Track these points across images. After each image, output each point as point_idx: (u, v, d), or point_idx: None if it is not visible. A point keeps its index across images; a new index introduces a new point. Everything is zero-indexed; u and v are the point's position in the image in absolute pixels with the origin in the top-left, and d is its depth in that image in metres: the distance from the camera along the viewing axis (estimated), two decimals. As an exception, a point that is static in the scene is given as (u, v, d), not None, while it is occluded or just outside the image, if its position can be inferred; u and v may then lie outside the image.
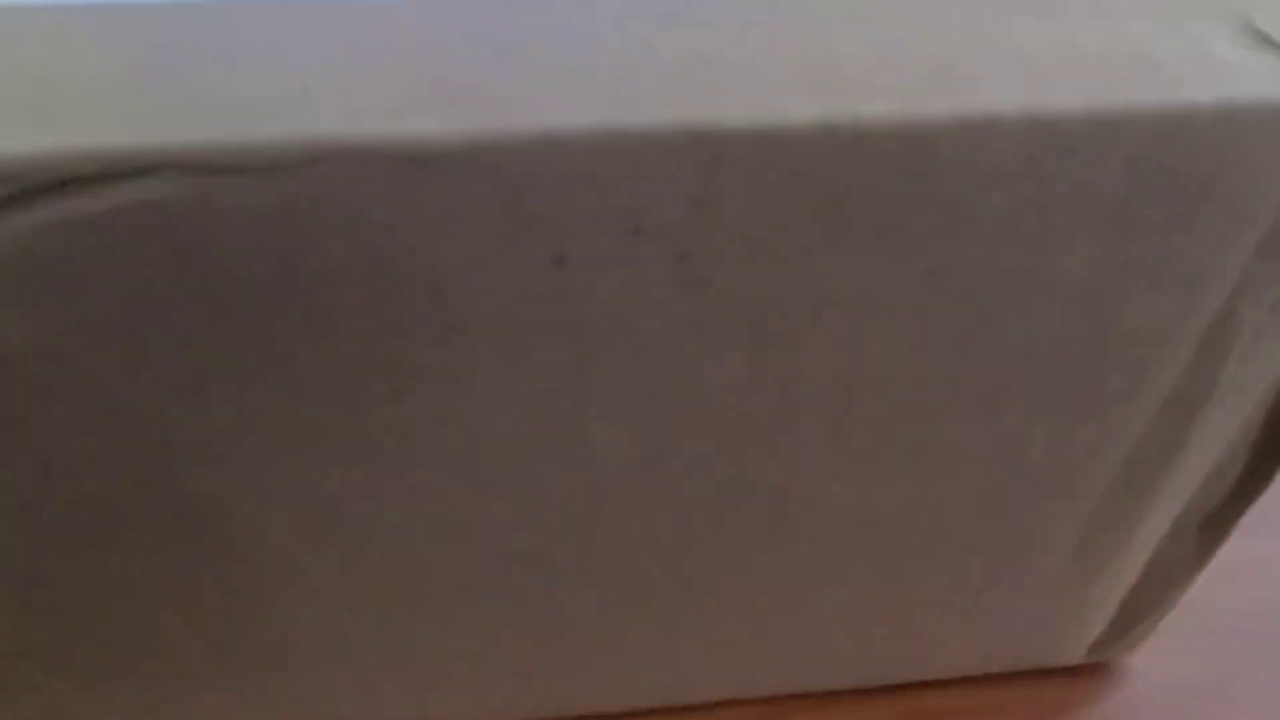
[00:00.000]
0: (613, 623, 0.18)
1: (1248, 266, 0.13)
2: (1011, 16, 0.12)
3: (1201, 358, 0.14)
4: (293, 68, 0.10)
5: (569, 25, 0.11)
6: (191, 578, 0.15)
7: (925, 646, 0.20)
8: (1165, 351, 0.14)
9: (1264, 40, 0.11)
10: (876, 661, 0.21)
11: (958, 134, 0.10)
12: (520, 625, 0.17)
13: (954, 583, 0.18)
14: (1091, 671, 0.23)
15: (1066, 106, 0.10)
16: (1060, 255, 0.12)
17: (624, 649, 0.19)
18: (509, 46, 0.11)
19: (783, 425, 0.14)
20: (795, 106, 0.10)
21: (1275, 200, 0.12)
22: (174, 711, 0.18)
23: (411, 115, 0.10)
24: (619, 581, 0.16)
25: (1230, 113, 0.11)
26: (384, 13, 0.11)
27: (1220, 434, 0.16)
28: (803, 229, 0.11)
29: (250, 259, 0.10)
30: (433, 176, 0.10)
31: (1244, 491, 0.18)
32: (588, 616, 0.17)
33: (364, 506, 0.14)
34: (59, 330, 0.11)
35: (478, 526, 0.15)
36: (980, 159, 0.11)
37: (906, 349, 0.13)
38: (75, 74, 0.10)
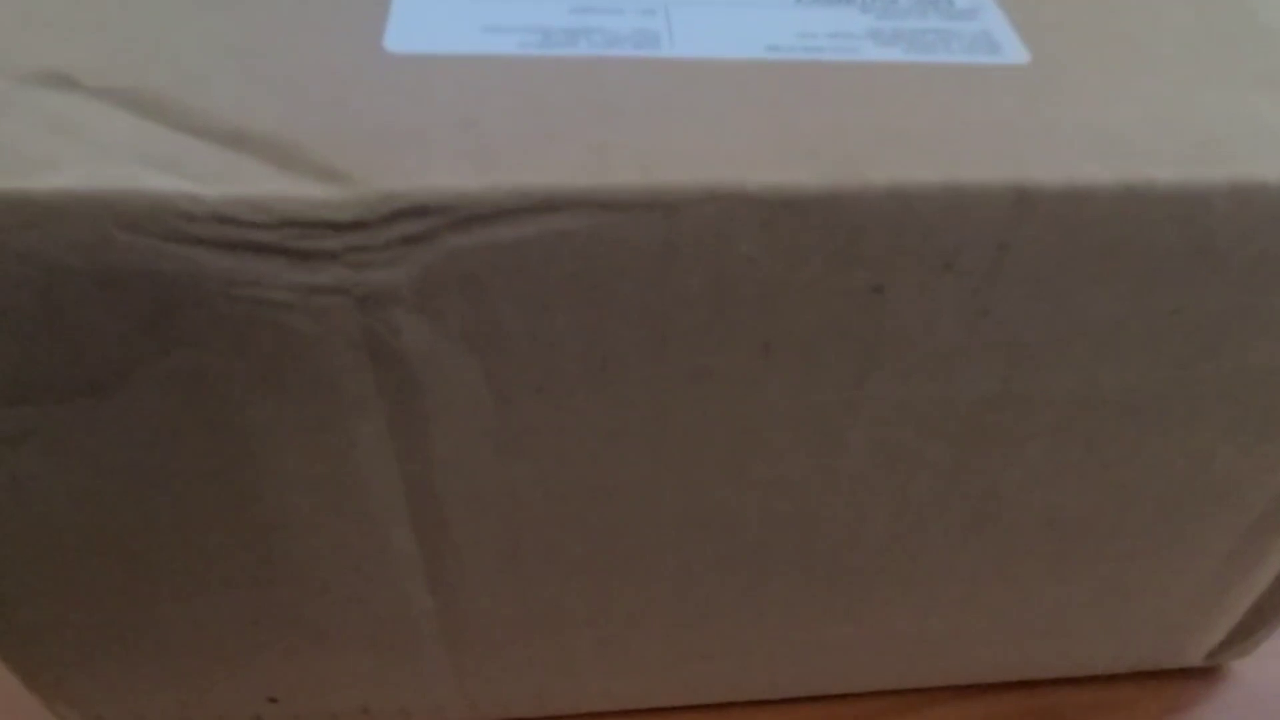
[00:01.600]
0: (807, 612, 0.19)
1: None
2: (1249, 94, 0.13)
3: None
4: (672, 121, 0.12)
5: (884, 87, 0.13)
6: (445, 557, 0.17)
7: (1066, 645, 0.22)
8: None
9: None
10: (1018, 658, 0.22)
11: (1227, 196, 0.12)
12: (726, 610, 0.19)
13: (1112, 585, 0.20)
14: (1206, 674, 0.25)
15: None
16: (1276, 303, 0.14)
17: (807, 637, 0.20)
18: (847, 104, 0.13)
19: (1013, 436, 0.15)
20: (1095, 170, 0.12)
21: None
22: (400, 676, 0.20)
23: (784, 168, 0.12)
24: (825, 571, 0.18)
25: None
26: (739, 70, 0.13)
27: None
28: (1081, 271, 0.13)
29: (632, 279, 0.12)
30: (796, 218, 0.12)
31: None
32: (787, 604, 0.19)
33: (633, 494, 0.16)
34: (449, 336, 0.13)
35: (719, 517, 0.17)
36: (1242, 217, 0.13)
37: (1135, 373, 0.15)
38: (499, 121, 0.12)
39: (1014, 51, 0.14)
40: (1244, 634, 0.23)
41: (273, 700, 0.20)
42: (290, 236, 0.11)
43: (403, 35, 0.13)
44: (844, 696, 0.24)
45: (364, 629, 0.18)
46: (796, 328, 0.13)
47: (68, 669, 0.18)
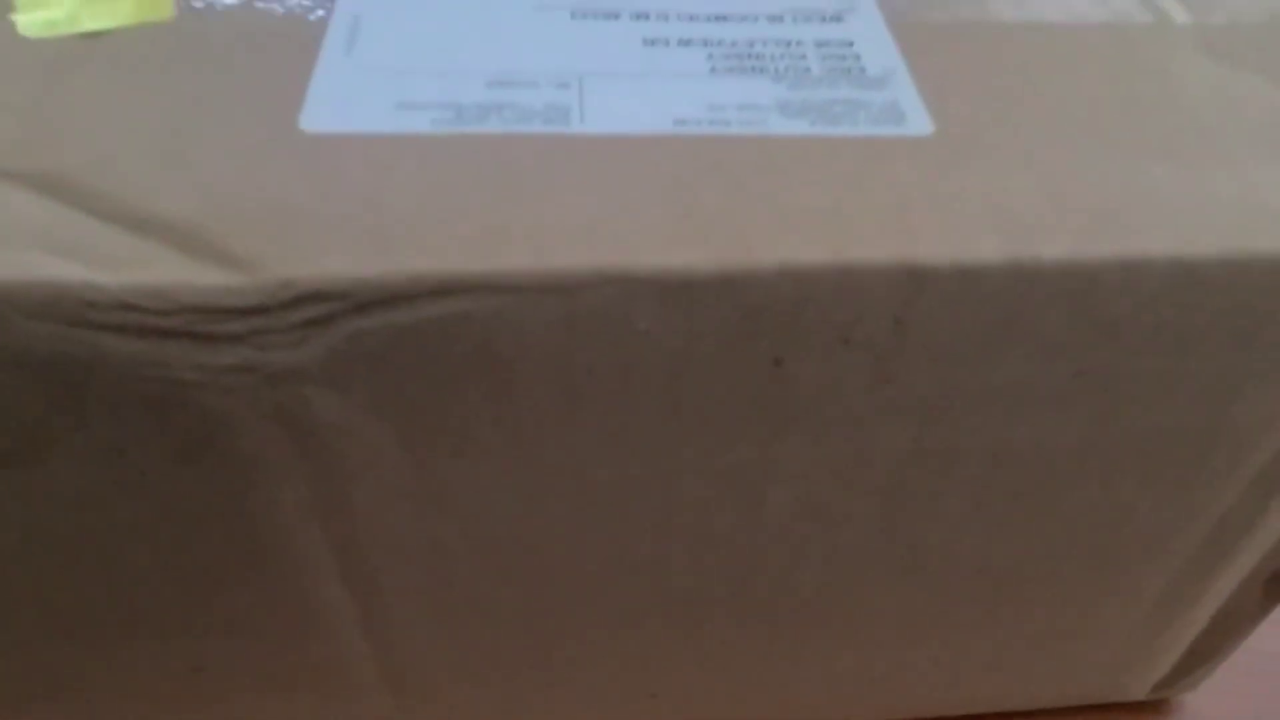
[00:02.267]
0: (746, 653, 0.20)
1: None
2: (1152, 165, 0.14)
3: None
4: (573, 200, 0.12)
5: (785, 163, 0.13)
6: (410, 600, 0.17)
7: (1009, 682, 0.22)
8: (1263, 439, 0.16)
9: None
10: (969, 694, 0.23)
11: (1118, 271, 0.13)
12: (667, 652, 0.19)
13: (1049, 627, 0.20)
14: (1153, 707, 0.25)
15: (1204, 253, 0.13)
16: (1188, 362, 0.14)
17: (751, 674, 0.21)
18: (746, 181, 0.13)
19: (932, 491, 0.16)
20: (987, 246, 0.12)
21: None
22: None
23: (678, 249, 0.12)
24: (762, 615, 0.18)
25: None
26: (645, 147, 0.13)
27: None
28: (978, 340, 0.13)
29: (536, 355, 0.12)
30: (691, 297, 0.12)
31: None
32: (726, 646, 0.19)
33: (559, 547, 0.16)
34: (359, 408, 0.13)
35: (648, 566, 0.17)
36: (1134, 289, 0.13)
37: (1047, 431, 0.15)
38: (402, 203, 0.12)
39: (919, 122, 0.14)
40: (1185, 670, 0.23)
41: (218, 744, 0.20)
42: (194, 321, 0.11)
43: (318, 114, 0.13)
44: (794, 732, 0.24)
45: (304, 674, 0.19)
46: (702, 395, 0.14)
47: (14, 715, 0.19)
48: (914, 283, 0.12)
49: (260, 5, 0.15)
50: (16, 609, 0.16)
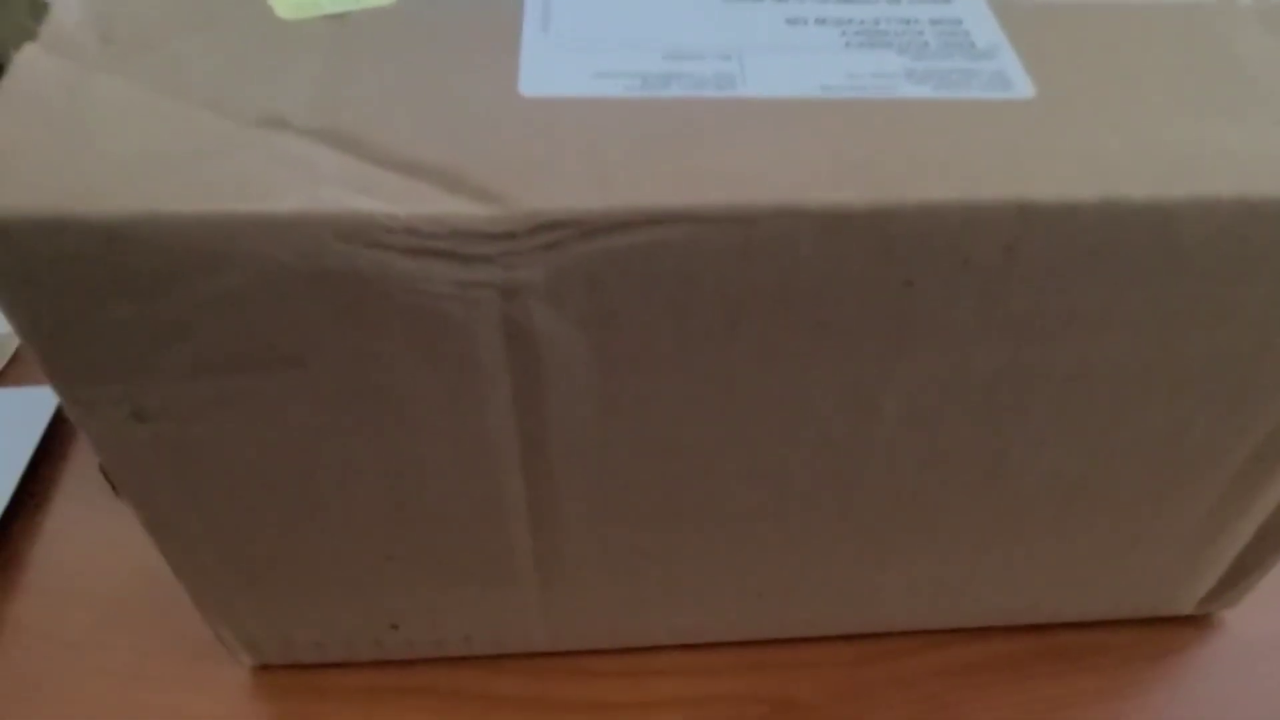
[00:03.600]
0: (844, 557, 0.23)
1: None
2: (1218, 122, 0.16)
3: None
4: (747, 150, 0.15)
5: (915, 120, 0.16)
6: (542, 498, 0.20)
7: (1069, 593, 0.25)
8: (1307, 360, 0.18)
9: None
10: (1028, 603, 0.26)
11: (1190, 208, 0.15)
12: (776, 555, 0.22)
13: (1110, 539, 0.23)
14: (1198, 622, 0.28)
15: (1262, 193, 0.15)
16: (1245, 290, 0.17)
17: (844, 579, 0.24)
18: (885, 135, 0.16)
19: (1020, 404, 0.19)
20: (1083, 187, 0.15)
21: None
22: (493, 606, 0.23)
23: (834, 188, 0.15)
24: (861, 517, 0.21)
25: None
26: (799, 107, 0.16)
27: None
28: (1073, 267, 0.16)
29: (716, 275, 0.16)
30: (845, 228, 0.15)
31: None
32: (828, 550, 0.22)
33: (703, 451, 0.19)
34: (569, 320, 0.16)
35: (773, 471, 0.20)
36: (1203, 224, 0.16)
37: (1122, 351, 0.18)
38: (612, 153, 0.15)
39: (1023, 87, 0.17)
40: (1229, 584, 0.26)
41: (394, 627, 0.24)
42: (459, 244, 0.15)
43: (533, 81, 0.16)
44: (874, 635, 0.27)
45: (474, 565, 0.22)
46: (843, 314, 0.17)
47: (231, 596, 0.22)
48: (1022, 217, 0.15)
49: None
50: (253, 499, 0.19)
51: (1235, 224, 0.16)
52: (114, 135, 0.15)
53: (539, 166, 0.15)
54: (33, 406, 0.31)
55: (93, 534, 0.29)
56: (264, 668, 0.26)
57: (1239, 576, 0.25)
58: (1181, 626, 0.28)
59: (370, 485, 0.19)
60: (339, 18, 0.17)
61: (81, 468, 0.31)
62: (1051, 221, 0.15)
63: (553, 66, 0.17)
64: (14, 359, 0.34)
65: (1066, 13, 0.19)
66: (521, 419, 0.18)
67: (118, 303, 0.15)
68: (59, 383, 0.17)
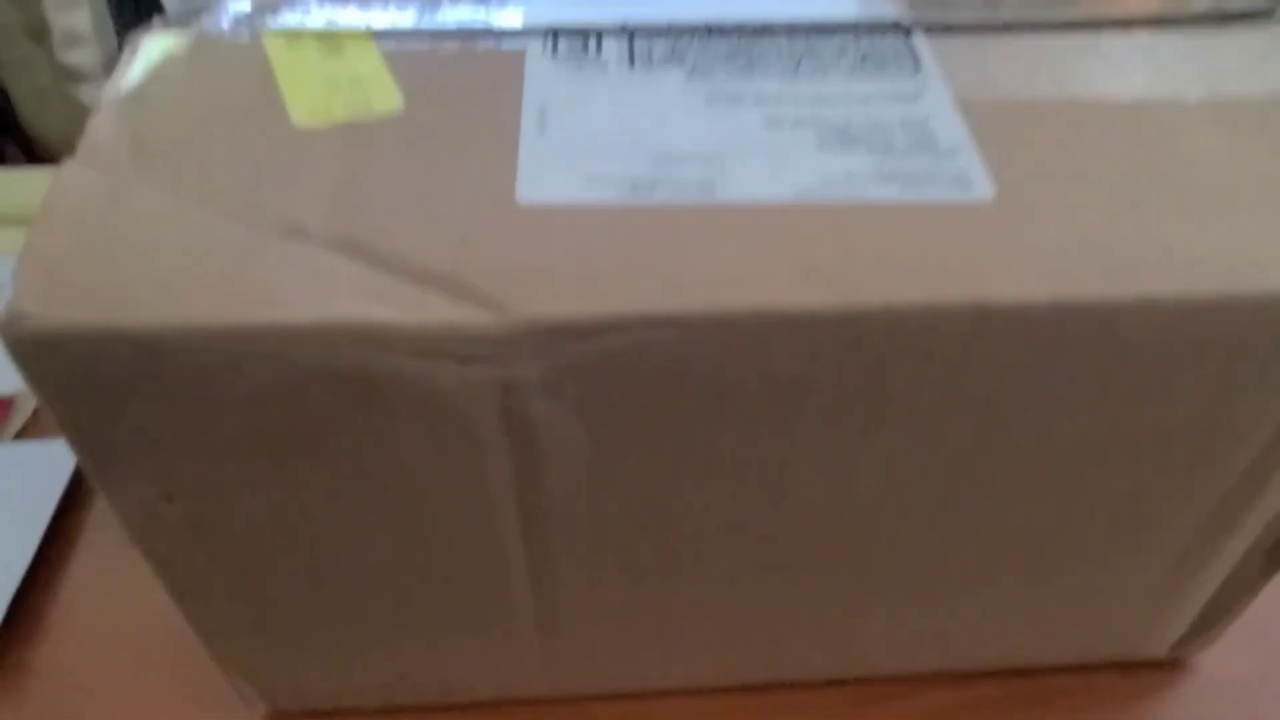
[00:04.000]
0: (827, 607, 0.24)
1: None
2: (1167, 222, 0.18)
3: (1278, 436, 0.20)
4: (726, 256, 0.17)
5: (882, 223, 0.18)
6: (542, 558, 0.21)
7: (1044, 638, 0.27)
8: (1253, 434, 0.20)
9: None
10: (1004, 649, 0.27)
11: (1136, 307, 0.17)
12: (763, 605, 0.24)
13: (1081, 587, 0.24)
14: (1172, 665, 0.29)
15: (1202, 293, 0.17)
16: (1192, 375, 0.18)
17: (829, 629, 0.25)
18: (853, 239, 0.17)
19: (988, 471, 0.20)
20: (1035, 290, 0.17)
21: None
22: (490, 660, 0.25)
23: (805, 294, 0.16)
24: (844, 571, 0.23)
25: None
26: (774, 212, 0.17)
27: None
28: (1028, 358, 0.17)
29: (699, 370, 0.17)
30: (817, 329, 0.16)
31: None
32: (812, 600, 0.24)
33: (693, 516, 0.21)
34: (564, 408, 0.17)
35: (760, 531, 0.21)
36: (1148, 322, 0.17)
37: (1080, 427, 0.19)
38: (604, 262, 0.17)
39: (983, 188, 0.18)
40: (1201, 629, 0.27)
41: (402, 676, 0.25)
42: (462, 348, 0.16)
43: (530, 188, 0.18)
44: (859, 680, 0.28)
45: (478, 619, 0.23)
46: (818, 397, 0.18)
47: (246, 649, 0.24)
48: (978, 318, 0.17)
49: (464, 94, 0.20)
50: (271, 564, 0.21)
51: (1176, 320, 0.17)
52: (149, 248, 0.16)
53: (535, 274, 0.16)
54: (56, 460, 0.33)
55: (112, 583, 0.30)
56: (277, 714, 0.27)
57: (1210, 622, 0.27)
58: (1156, 670, 0.29)
59: (380, 550, 0.21)
60: (352, 123, 0.19)
61: (102, 518, 0.32)
62: (1005, 321, 0.17)
63: (548, 171, 0.18)
64: (36, 413, 0.36)
65: (1027, 110, 0.20)
66: (521, 492, 0.19)
67: (150, 402, 0.16)
68: (92, 469, 0.18)
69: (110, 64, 0.49)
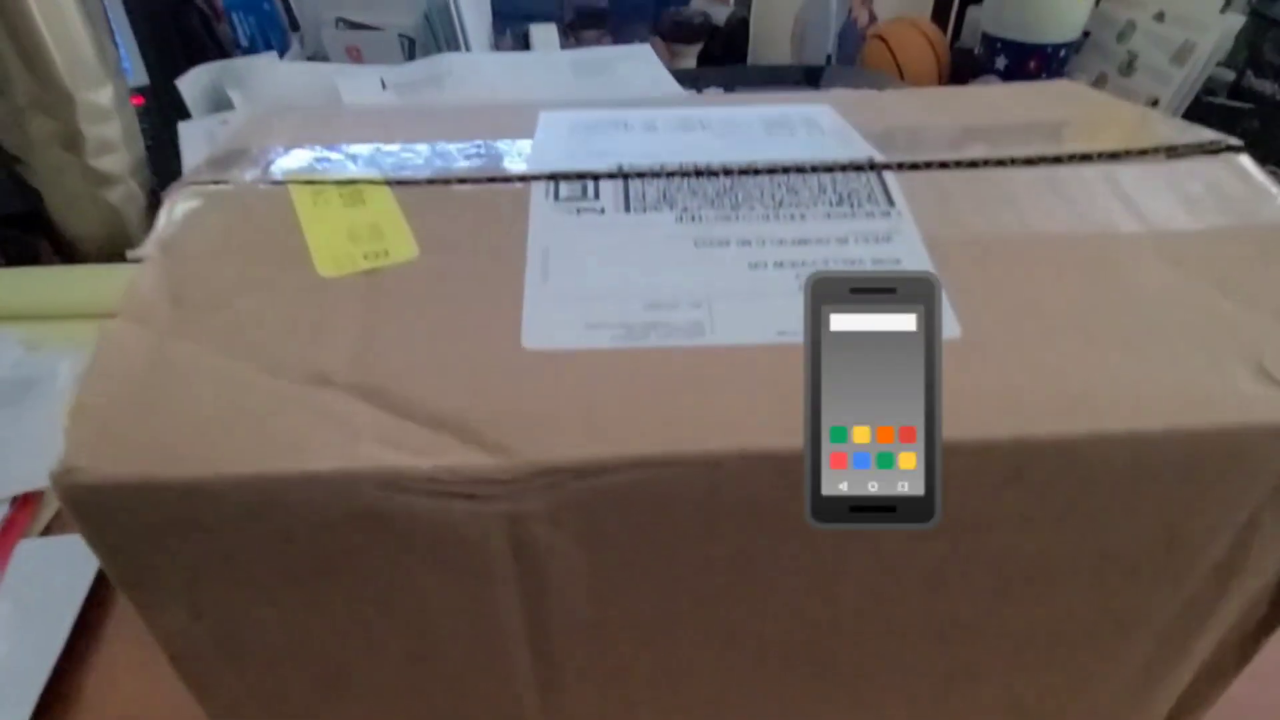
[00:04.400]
0: (817, 704, 0.25)
1: (1261, 502, 0.20)
2: (1116, 357, 0.19)
3: (1234, 545, 0.21)
4: (715, 398, 0.18)
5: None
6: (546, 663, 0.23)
7: (1030, 726, 0.28)
8: (1209, 544, 0.21)
9: (1270, 379, 0.19)
10: (993, 736, 0.28)
11: (1087, 441, 0.18)
12: (756, 704, 0.25)
13: (1059, 682, 0.25)
14: (1154, 749, 0.30)
15: (1150, 428, 0.18)
16: (1146, 496, 0.20)
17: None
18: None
19: (962, 583, 0.21)
20: (996, 426, 0.18)
21: (1273, 471, 0.19)
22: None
23: (786, 434, 0.18)
24: (834, 675, 0.24)
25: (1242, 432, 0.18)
26: (759, 353, 0.19)
27: (1250, 587, 0.23)
28: (993, 486, 0.19)
29: (691, 502, 0.18)
30: (798, 466, 0.18)
31: (1270, 620, 0.25)
32: (809, 699, 0.25)
33: (687, 628, 0.22)
34: (567, 537, 0.19)
35: (750, 640, 0.23)
36: (1101, 451, 0.18)
37: (1045, 542, 0.20)
38: (603, 405, 0.18)
39: (950, 327, 0.20)
40: (1180, 715, 0.28)
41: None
42: (472, 489, 0.18)
43: (535, 335, 0.19)
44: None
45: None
46: (800, 520, 0.19)
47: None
48: (947, 451, 0.18)
49: (474, 240, 0.21)
50: (287, 677, 0.22)
51: (1131, 451, 0.19)
52: (188, 402, 0.18)
53: (540, 418, 0.18)
54: (83, 554, 0.34)
55: (138, 673, 0.31)
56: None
57: (1183, 714, 0.28)
58: (1140, 753, 0.30)
59: (395, 661, 0.22)
60: (372, 272, 0.21)
61: (128, 610, 0.33)
62: (969, 456, 0.18)
63: (551, 319, 0.20)
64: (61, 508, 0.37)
65: (991, 247, 0.22)
66: (528, 611, 0.21)
67: (185, 539, 0.18)
68: (127, 592, 0.19)
69: (138, 168, 0.51)
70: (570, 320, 0.20)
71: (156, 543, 0.18)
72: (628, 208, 0.22)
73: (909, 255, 0.21)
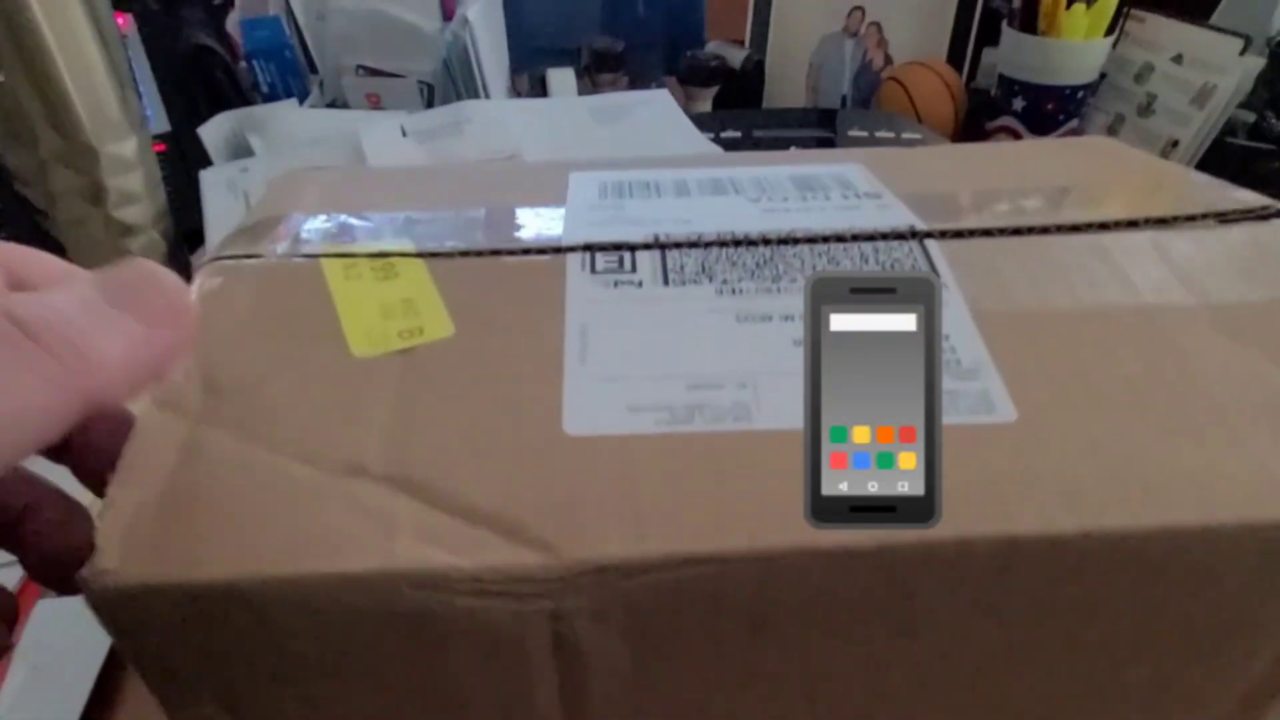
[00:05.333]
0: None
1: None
2: (1179, 443, 0.19)
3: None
4: (765, 490, 0.18)
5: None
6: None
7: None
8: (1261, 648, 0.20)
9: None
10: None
11: (1159, 535, 0.17)
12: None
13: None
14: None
15: (1219, 521, 0.17)
16: (1218, 585, 0.19)
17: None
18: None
19: (1018, 667, 0.20)
20: (1064, 521, 0.17)
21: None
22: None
23: (841, 530, 0.17)
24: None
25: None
26: (797, 441, 0.18)
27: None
28: (1058, 578, 0.18)
29: (738, 597, 0.18)
30: (852, 562, 0.17)
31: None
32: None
33: (728, 714, 0.21)
34: (610, 632, 0.18)
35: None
36: (1165, 545, 0.18)
37: (1107, 631, 0.20)
38: (649, 498, 0.17)
39: (1005, 410, 0.19)
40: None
41: None
42: (515, 587, 0.17)
43: (576, 420, 0.19)
44: None
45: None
46: (852, 616, 0.19)
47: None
48: (1009, 548, 0.17)
49: (510, 316, 0.21)
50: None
51: (1198, 545, 0.18)
52: (220, 498, 0.17)
53: (583, 512, 0.17)
54: (97, 614, 0.33)
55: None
56: None
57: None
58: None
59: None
60: (407, 351, 0.20)
61: (142, 678, 0.33)
62: (1034, 549, 0.17)
63: (591, 402, 0.19)
64: (79, 563, 0.36)
65: (1041, 321, 0.21)
66: (566, 703, 0.20)
67: (218, 636, 0.17)
68: (154, 688, 0.19)
69: (160, 217, 0.51)
70: (612, 403, 0.19)
71: (188, 641, 0.17)
72: (666, 280, 0.22)
73: (958, 331, 0.21)
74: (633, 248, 0.23)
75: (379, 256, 0.22)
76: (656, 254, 0.23)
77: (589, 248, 0.23)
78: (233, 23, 0.83)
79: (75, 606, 0.35)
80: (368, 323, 0.21)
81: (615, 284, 0.22)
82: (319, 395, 0.19)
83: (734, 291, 0.22)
